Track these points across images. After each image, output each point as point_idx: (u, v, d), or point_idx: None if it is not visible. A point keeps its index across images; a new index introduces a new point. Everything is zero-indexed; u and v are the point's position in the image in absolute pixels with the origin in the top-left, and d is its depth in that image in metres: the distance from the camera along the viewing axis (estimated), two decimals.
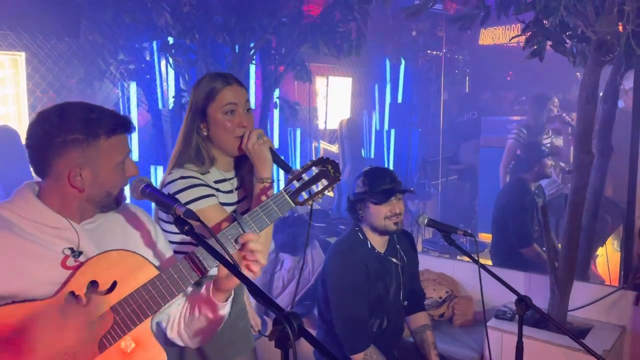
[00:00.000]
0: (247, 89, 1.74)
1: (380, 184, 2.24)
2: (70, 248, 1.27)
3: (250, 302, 2.10)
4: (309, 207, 1.56)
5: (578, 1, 2.34)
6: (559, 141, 4.33)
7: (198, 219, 1.23)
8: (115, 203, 1.33)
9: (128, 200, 1.48)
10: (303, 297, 3.49)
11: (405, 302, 2.40)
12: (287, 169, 1.61)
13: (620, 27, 2.37)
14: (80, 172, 1.24)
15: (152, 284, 1.26)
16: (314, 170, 1.49)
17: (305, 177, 1.48)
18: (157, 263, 1.42)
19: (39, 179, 1.32)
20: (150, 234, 1.45)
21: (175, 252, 1.56)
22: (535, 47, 2.47)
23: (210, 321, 1.39)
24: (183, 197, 1.56)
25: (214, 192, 1.64)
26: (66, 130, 1.23)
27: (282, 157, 1.67)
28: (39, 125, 1.24)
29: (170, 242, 1.58)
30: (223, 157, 1.70)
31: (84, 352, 1.20)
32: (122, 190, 1.34)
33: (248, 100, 1.70)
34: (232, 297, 1.40)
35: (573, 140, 2.78)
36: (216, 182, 1.69)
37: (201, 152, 1.66)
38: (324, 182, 1.49)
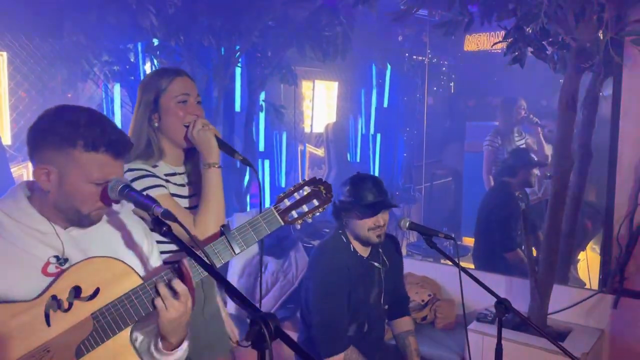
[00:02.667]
0: (194, 80, 1.77)
1: (366, 197, 2.21)
2: (55, 256, 1.25)
3: (226, 312, 2.08)
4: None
5: (559, 8, 2.38)
6: (531, 140, 4.42)
7: (176, 220, 1.22)
8: (87, 221, 1.30)
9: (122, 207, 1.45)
10: (287, 301, 3.49)
11: (387, 306, 2.41)
12: (233, 153, 1.65)
13: (601, 35, 2.42)
14: (49, 172, 1.22)
15: (134, 293, 1.25)
16: (306, 189, 1.50)
17: (297, 196, 1.49)
18: (147, 274, 1.40)
19: (22, 179, 1.32)
20: (142, 245, 1.43)
21: (166, 262, 1.56)
22: (517, 53, 2.51)
23: None
24: (139, 185, 1.58)
25: (163, 183, 1.66)
26: (49, 130, 1.22)
27: (228, 144, 1.70)
28: (36, 121, 1.25)
29: (162, 252, 1.59)
30: (173, 149, 1.72)
31: (61, 357, 1.20)
32: (99, 210, 1.30)
33: (198, 94, 1.74)
34: (182, 346, 1.35)
35: (553, 145, 2.81)
36: (167, 175, 1.70)
37: (151, 146, 1.68)
38: (315, 202, 1.49)
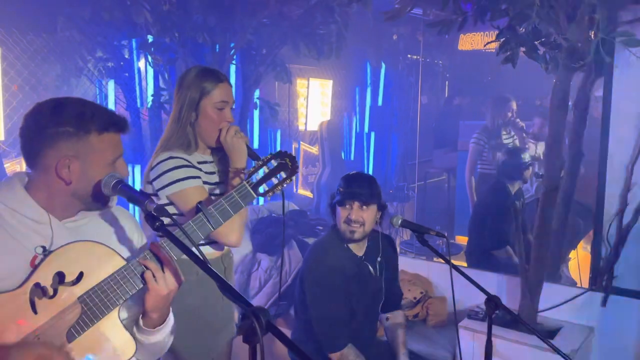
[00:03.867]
0: (232, 86, 1.89)
1: (345, 185, 2.25)
2: (42, 246, 1.26)
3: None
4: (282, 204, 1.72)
5: (550, 8, 2.40)
6: (516, 142, 4.47)
7: (169, 216, 1.23)
8: (102, 203, 1.33)
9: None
10: (280, 297, 3.50)
11: (380, 310, 2.42)
12: (259, 159, 1.70)
13: (592, 35, 2.44)
14: (69, 164, 1.24)
15: (119, 274, 1.27)
16: (274, 163, 1.58)
17: (266, 169, 1.57)
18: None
19: (13, 173, 1.32)
20: (133, 241, 1.45)
21: None
22: (509, 53, 2.53)
23: (146, 346, 1.37)
24: (172, 176, 1.72)
25: (200, 174, 1.79)
26: (58, 123, 1.23)
27: (257, 153, 1.79)
28: (32, 116, 1.26)
29: None
30: (202, 143, 1.86)
31: (53, 341, 1.20)
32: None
33: (234, 100, 1.87)
34: (165, 324, 1.38)
35: (545, 145, 2.83)
36: (199, 162, 1.83)
37: (188, 137, 1.81)
38: (283, 174, 1.58)
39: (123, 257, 1.30)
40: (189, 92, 1.79)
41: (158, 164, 1.75)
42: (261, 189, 1.56)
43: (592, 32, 2.40)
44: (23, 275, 1.22)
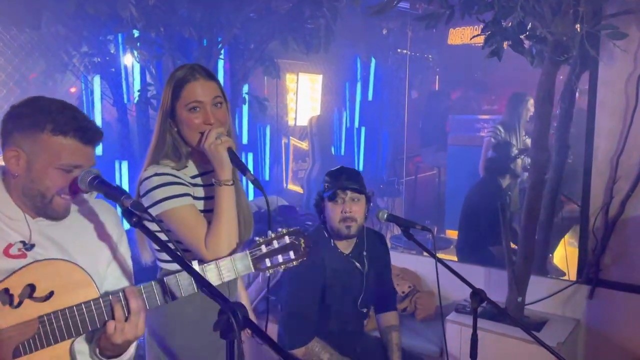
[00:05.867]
0: (217, 81, 1.65)
1: (334, 179, 2.24)
2: (22, 241, 1.25)
3: (250, 308, 2.06)
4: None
5: (535, 2, 2.40)
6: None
7: (145, 210, 1.22)
8: (53, 212, 1.29)
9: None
10: (269, 293, 3.49)
11: (365, 310, 2.41)
12: (244, 171, 1.56)
13: (578, 28, 2.45)
14: (18, 155, 1.23)
15: (87, 306, 1.23)
16: (287, 239, 1.46)
17: (276, 244, 1.44)
18: (114, 263, 1.40)
19: None
20: (113, 237, 1.42)
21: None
22: (494, 46, 2.53)
23: None
24: (157, 195, 1.55)
25: (190, 190, 1.60)
26: (20, 114, 1.24)
27: (242, 160, 1.59)
28: (10, 108, 1.27)
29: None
30: (198, 152, 1.63)
31: None
32: (66, 195, 1.29)
33: (219, 95, 1.61)
34: (127, 352, 1.34)
35: (531, 138, 2.84)
36: (194, 176, 1.65)
37: (177, 149, 1.62)
38: (292, 254, 1.46)
39: (98, 289, 1.27)
40: (164, 96, 1.61)
41: (144, 180, 1.59)
42: (263, 265, 1.44)
43: (577, 26, 2.41)
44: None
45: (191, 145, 1.62)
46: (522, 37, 2.58)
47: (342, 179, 2.22)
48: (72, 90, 3.82)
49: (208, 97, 1.59)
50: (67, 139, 1.24)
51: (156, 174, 1.57)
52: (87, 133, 1.26)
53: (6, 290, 1.18)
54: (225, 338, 1.06)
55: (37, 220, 1.30)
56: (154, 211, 1.53)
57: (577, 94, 2.90)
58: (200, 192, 1.64)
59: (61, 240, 1.31)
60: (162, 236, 1.53)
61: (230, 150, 1.54)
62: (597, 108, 2.79)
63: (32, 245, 1.26)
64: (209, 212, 1.60)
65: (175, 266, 1.57)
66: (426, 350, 2.97)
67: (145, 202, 1.56)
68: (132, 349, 1.35)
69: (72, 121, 1.24)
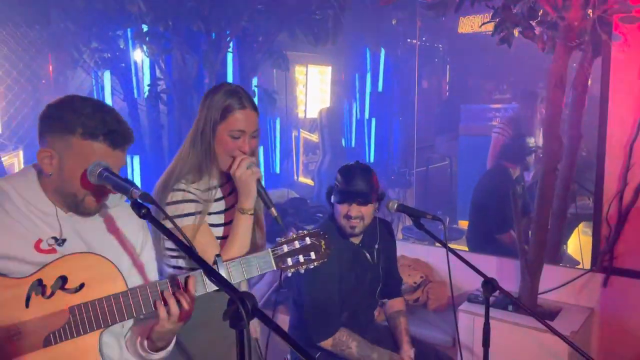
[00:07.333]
0: (258, 112, 1.71)
1: (344, 183, 2.22)
2: (54, 237, 1.29)
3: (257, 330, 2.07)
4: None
5: None
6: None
7: (153, 202, 1.23)
8: (84, 210, 1.33)
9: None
10: (280, 285, 3.50)
11: (376, 299, 2.41)
12: (269, 206, 1.62)
13: (589, 13, 2.41)
14: (51, 156, 1.27)
15: (115, 298, 1.27)
16: (307, 240, 1.49)
17: (297, 244, 1.48)
18: (134, 269, 1.44)
19: (12, 168, 1.35)
20: (138, 237, 1.46)
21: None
22: (504, 33, 2.50)
23: None
24: (175, 210, 1.61)
25: (205, 207, 1.66)
26: (54, 116, 1.27)
27: (267, 194, 1.66)
28: (45, 108, 1.30)
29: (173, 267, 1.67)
30: (215, 167, 1.70)
31: (29, 341, 1.22)
32: (98, 196, 1.33)
33: (258, 128, 1.69)
34: (167, 348, 1.39)
35: (542, 126, 2.80)
36: (205, 190, 1.69)
37: (203, 165, 1.67)
38: (313, 255, 1.49)
39: (126, 284, 1.31)
40: (209, 114, 1.65)
41: (171, 191, 1.64)
42: (284, 263, 1.47)
43: (589, 10, 2.37)
44: (29, 258, 1.25)
45: (219, 162, 1.68)
46: (532, 23, 2.54)
47: (352, 188, 2.20)
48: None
49: (251, 129, 1.66)
50: (97, 143, 1.26)
51: (178, 189, 1.63)
52: (117, 137, 1.28)
53: (40, 281, 1.22)
54: (235, 327, 1.07)
55: (69, 215, 1.34)
56: (168, 223, 1.55)
57: (589, 80, 2.86)
58: (220, 205, 1.71)
59: (89, 237, 1.35)
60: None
61: (259, 183, 1.63)
62: (609, 94, 2.74)
63: (64, 240, 1.30)
64: (227, 225, 1.70)
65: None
66: (439, 340, 2.96)
67: (169, 211, 1.61)
68: (169, 347, 1.41)
69: (102, 125, 1.26)
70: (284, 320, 2.86)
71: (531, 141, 3.83)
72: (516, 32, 2.60)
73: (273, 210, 1.60)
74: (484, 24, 2.77)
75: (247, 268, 1.42)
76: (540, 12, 2.56)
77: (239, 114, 1.64)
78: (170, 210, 1.61)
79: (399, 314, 2.46)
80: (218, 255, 1.38)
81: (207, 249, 1.60)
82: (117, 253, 1.39)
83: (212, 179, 1.71)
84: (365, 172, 2.24)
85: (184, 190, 1.63)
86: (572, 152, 2.88)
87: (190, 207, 1.63)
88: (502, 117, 4.49)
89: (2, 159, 3.22)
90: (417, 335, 2.53)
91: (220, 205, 1.74)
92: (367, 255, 2.35)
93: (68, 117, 1.25)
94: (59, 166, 1.28)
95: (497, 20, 2.50)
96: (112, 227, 1.41)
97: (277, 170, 5.32)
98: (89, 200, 1.32)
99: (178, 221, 1.58)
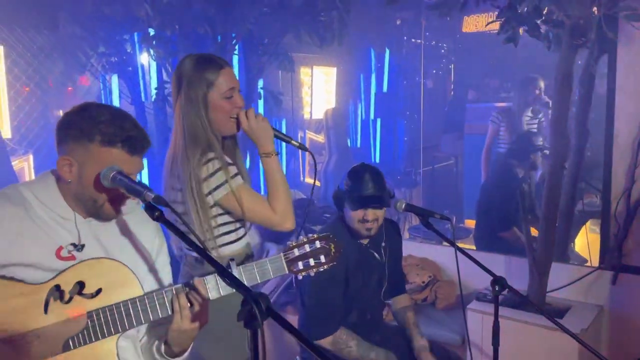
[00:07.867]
0: (232, 65, 1.81)
1: (358, 190, 2.20)
2: (73, 243, 1.31)
3: None
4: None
5: None
6: (543, 123, 4.38)
7: (167, 205, 1.25)
8: (104, 215, 1.35)
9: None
10: (289, 285, 3.52)
11: (384, 299, 2.42)
12: (289, 140, 1.73)
13: (595, 11, 2.41)
14: (70, 163, 1.28)
15: (132, 303, 1.29)
16: (317, 244, 1.53)
17: (308, 248, 1.51)
18: (150, 275, 1.46)
19: (23, 173, 1.37)
20: (154, 243, 1.48)
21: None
22: (510, 32, 2.50)
23: None
24: (221, 177, 1.66)
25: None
26: (72, 123, 1.28)
27: (280, 130, 1.77)
28: (63, 115, 1.32)
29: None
30: (212, 138, 1.72)
31: (48, 346, 1.23)
32: (117, 201, 1.34)
33: (238, 81, 1.75)
34: (183, 356, 1.41)
35: (549, 124, 2.80)
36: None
37: (213, 143, 1.69)
38: (323, 258, 1.52)
39: (142, 288, 1.33)
40: (190, 90, 1.67)
41: (204, 165, 1.66)
42: (295, 267, 1.50)
43: (595, 8, 2.37)
44: (47, 265, 1.26)
45: (220, 130, 1.72)
46: (538, 21, 2.54)
47: (364, 194, 2.19)
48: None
49: (236, 83, 1.72)
50: (116, 150, 1.28)
51: (213, 159, 1.66)
52: (135, 144, 1.30)
53: (57, 286, 1.24)
54: (249, 327, 1.08)
55: (87, 221, 1.35)
56: (220, 192, 1.67)
57: (595, 78, 2.86)
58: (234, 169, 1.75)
59: (107, 242, 1.37)
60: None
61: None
62: (616, 92, 2.74)
63: (82, 246, 1.32)
64: None
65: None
66: (448, 339, 2.96)
67: (206, 186, 1.66)
68: (186, 355, 1.43)
69: (120, 132, 1.27)
70: (292, 320, 2.87)
71: (538, 139, 3.84)
72: (521, 31, 2.61)
73: (294, 142, 1.70)
74: (489, 23, 2.77)
75: (260, 272, 1.45)
76: (546, 11, 2.57)
77: (222, 74, 1.68)
78: (215, 179, 1.66)
79: (406, 309, 2.47)
80: (232, 259, 1.40)
81: (263, 200, 1.71)
82: (133, 258, 1.41)
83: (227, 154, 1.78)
84: (377, 176, 2.24)
85: (216, 159, 1.67)
86: (579, 150, 2.88)
87: (233, 169, 1.70)
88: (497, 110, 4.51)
89: (12, 163, 3.26)
90: (426, 335, 2.53)
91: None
92: (375, 254, 2.35)
93: (86, 125, 1.26)
94: (78, 173, 1.29)
95: (503, 19, 2.50)
96: (128, 233, 1.43)
97: (284, 171, 5.33)
98: (108, 206, 1.33)
99: (228, 185, 1.65)
